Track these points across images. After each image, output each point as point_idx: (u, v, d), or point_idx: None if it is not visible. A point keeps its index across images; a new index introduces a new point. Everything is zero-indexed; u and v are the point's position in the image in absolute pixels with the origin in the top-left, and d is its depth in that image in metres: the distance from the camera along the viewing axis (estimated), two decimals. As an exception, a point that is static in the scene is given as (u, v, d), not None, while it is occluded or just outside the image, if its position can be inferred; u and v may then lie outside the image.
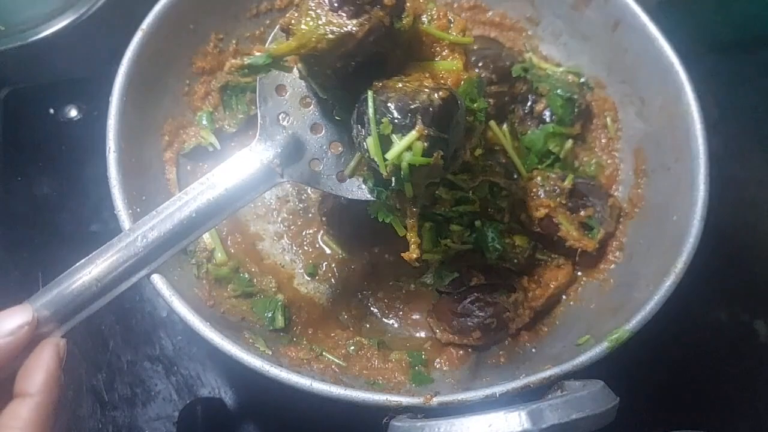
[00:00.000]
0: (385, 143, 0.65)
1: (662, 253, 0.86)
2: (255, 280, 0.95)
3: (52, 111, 1.19)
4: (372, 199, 0.76)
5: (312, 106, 0.78)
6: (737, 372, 1.06)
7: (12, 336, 0.62)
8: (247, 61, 0.67)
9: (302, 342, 0.90)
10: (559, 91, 1.02)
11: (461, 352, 0.92)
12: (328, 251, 0.99)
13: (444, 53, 0.76)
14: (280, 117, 0.77)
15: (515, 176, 0.97)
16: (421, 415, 0.70)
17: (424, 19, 0.76)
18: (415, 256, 0.72)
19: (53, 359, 0.63)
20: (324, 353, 0.89)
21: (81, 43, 1.14)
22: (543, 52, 1.13)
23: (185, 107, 1.00)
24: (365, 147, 0.67)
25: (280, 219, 1.01)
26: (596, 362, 0.75)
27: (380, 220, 0.76)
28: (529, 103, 1.04)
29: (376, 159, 0.66)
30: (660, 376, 1.01)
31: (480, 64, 1.02)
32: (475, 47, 1.05)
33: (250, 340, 0.84)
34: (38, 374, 0.61)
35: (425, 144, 0.64)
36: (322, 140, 0.78)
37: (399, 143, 0.64)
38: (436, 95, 0.65)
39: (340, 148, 0.78)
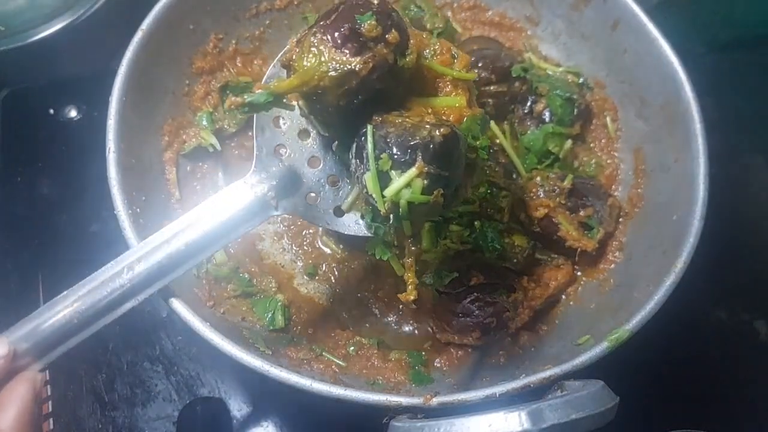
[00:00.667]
0: (383, 179, 0.64)
1: (662, 253, 0.86)
2: (255, 280, 0.95)
3: (52, 111, 1.19)
4: (369, 235, 0.75)
5: (310, 139, 0.77)
6: (737, 372, 1.06)
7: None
8: (247, 99, 0.66)
9: (302, 342, 0.90)
10: (558, 91, 1.02)
11: (461, 352, 0.92)
12: (328, 251, 0.99)
13: (447, 89, 0.74)
14: (277, 149, 0.76)
15: (515, 176, 0.97)
16: (421, 415, 0.70)
17: (427, 53, 0.74)
18: (412, 297, 0.70)
19: (28, 393, 0.61)
20: (324, 353, 0.89)
21: (81, 43, 1.14)
22: (543, 52, 1.13)
23: (185, 107, 1.00)
24: (363, 182, 0.66)
25: (280, 219, 1.01)
26: (596, 362, 0.75)
27: (377, 257, 0.75)
28: (528, 103, 1.04)
29: (374, 195, 0.64)
30: (660, 376, 1.01)
31: (479, 64, 1.02)
32: (474, 47, 1.06)
33: (250, 340, 0.84)
34: (11, 409, 0.60)
35: (425, 181, 0.63)
36: (320, 174, 0.77)
37: (398, 180, 0.63)
38: (437, 132, 0.64)
39: (338, 183, 0.77)
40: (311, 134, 0.76)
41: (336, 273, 0.98)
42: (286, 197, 0.75)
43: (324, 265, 0.98)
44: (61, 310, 0.66)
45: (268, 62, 1.08)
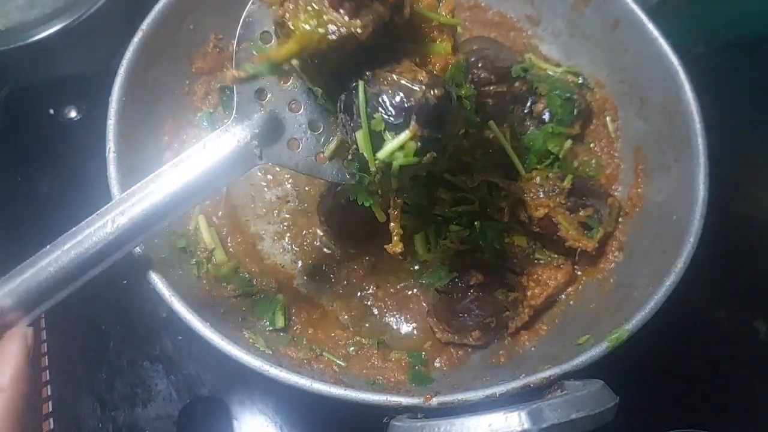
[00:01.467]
0: (376, 139, 0.63)
1: (662, 253, 0.86)
2: (255, 280, 0.95)
3: (52, 111, 1.19)
4: (351, 182, 0.74)
5: (291, 82, 0.74)
6: (737, 372, 1.06)
7: None
8: (250, 71, 0.64)
9: (302, 342, 0.90)
10: (558, 91, 1.02)
11: (461, 352, 0.92)
12: (328, 251, 0.99)
13: (433, 34, 0.73)
14: (257, 93, 0.73)
15: (514, 176, 0.97)
16: (421, 415, 0.71)
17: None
18: (398, 249, 0.70)
19: (21, 350, 0.61)
20: (324, 353, 0.89)
21: (81, 43, 1.14)
22: (543, 52, 1.13)
23: (185, 107, 1.00)
24: (353, 138, 0.65)
25: (280, 219, 1.01)
26: (596, 362, 0.75)
27: (360, 203, 0.74)
28: (528, 104, 1.04)
29: (365, 154, 0.63)
30: (660, 375, 1.01)
31: (479, 65, 1.02)
32: (474, 47, 1.06)
33: (250, 340, 0.84)
34: (5, 367, 0.59)
35: (418, 144, 0.62)
36: (301, 119, 0.74)
37: (392, 142, 0.62)
38: (431, 93, 0.63)
39: (319, 128, 0.74)
40: (292, 77, 0.74)
41: (336, 273, 0.98)
42: (269, 145, 0.73)
43: (324, 265, 0.98)
44: (47, 264, 0.66)
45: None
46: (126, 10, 1.04)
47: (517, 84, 1.05)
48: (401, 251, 0.71)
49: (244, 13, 0.74)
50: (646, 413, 0.97)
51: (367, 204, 0.73)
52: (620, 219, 0.98)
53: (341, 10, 0.62)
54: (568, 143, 1.02)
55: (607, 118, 1.06)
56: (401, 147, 0.62)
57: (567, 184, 0.93)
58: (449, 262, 0.92)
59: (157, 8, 0.93)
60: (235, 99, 0.72)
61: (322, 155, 0.74)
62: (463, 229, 0.91)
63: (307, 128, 0.74)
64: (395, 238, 0.70)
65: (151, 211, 0.69)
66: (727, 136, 1.02)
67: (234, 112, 0.72)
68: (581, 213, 0.93)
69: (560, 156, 1.01)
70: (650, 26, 0.98)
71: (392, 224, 0.70)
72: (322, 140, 0.74)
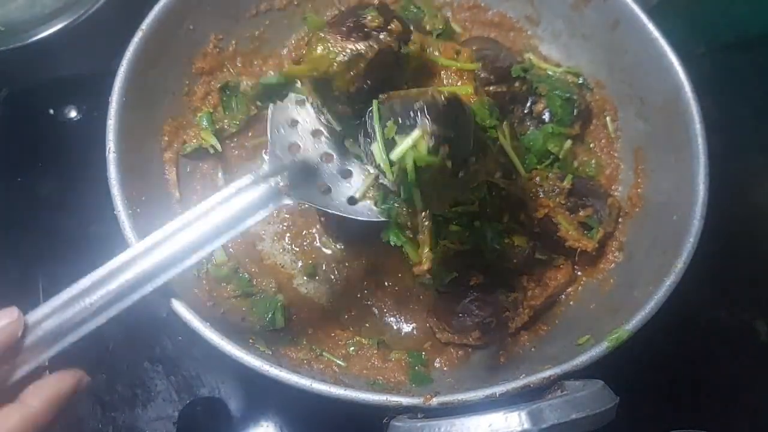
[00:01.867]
0: (390, 147, 0.64)
1: (662, 253, 0.86)
2: (255, 281, 0.95)
3: (52, 111, 1.19)
4: (382, 219, 0.75)
5: (323, 138, 0.78)
6: (737, 372, 1.06)
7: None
8: (262, 81, 0.69)
9: (302, 342, 0.90)
10: (558, 91, 1.02)
11: (461, 352, 0.92)
12: (328, 251, 0.99)
13: (452, 79, 0.76)
14: (291, 146, 0.77)
15: (514, 176, 0.97)
16: (421, 415, 0.71)
17: (431, 50, 0.77)
18: (426, 267, 0.70)
19: (69, 386, 0.63)
20: (324, 353, 0.89)
21: (81, 43, 1.14)
22: (543, 52, 1.13)
23: (185, 107, 1.00)
24: (371, 154, 0.66)
25: (280, 219, 1.01)
26: (596, 362, 0.75)
27: (392, 244, 0.75)
28: (528, 104, 1.04)
29: (381, 164, 0.64)
30: (660, 376, 1.01)
31: (480, 65, 1.02)
32: (474, 48, 1.06)
33: (250, 340, 0.84)
34: (47, 391, 0.61)
35: (430, 142, 0.62)
36: (333, 168, 0.77)
37: (404, 142, 0.62)
38: (440, 96, 0.64)
39: (351, 176, 0.77)
40: (324, 133, 0.78)
41: (336, 273, 0.98)
42: (300, 187, 0.75)
43: (324, 266, 0.98)
44: (79, 298, 0.66)
45: (268, 62, 1.08)
46: (126, 10, 1.03)
47: (516, 84, 1.05)
48: (428, 269, 0.70)
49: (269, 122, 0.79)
50: (646, 413, 0.97)
51: (399, 243, 0.74)
52: (620, 219, 0.98)
53: (351, 39, 0.69)
54: (568, 143, 1.02)
55: (607, 118, 1.06)
56: (413, 146, 0.62)
57: (567, 184, 0.93)
58: (449, 263, 0.92)
59: (157, 8, 0.93)
60: (269, 148, 0.76)
61: (353, 198, 0.77)
62: (462, 230, 0.91)
63: (338, 175, 0.77)
64: (425, 259, 0.70)
65: (181, 250, 0.70)
66: (727, 136, 1.02)
67: (267, 158, 0.76)
68: (581, 213, 0.93)
69: (560, 156, 1.01)
70: (650, 26, 0.98)
71: (423, 249, 0.70)
72: (354, 185, 0.77)
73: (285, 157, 0.76)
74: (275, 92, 0.70)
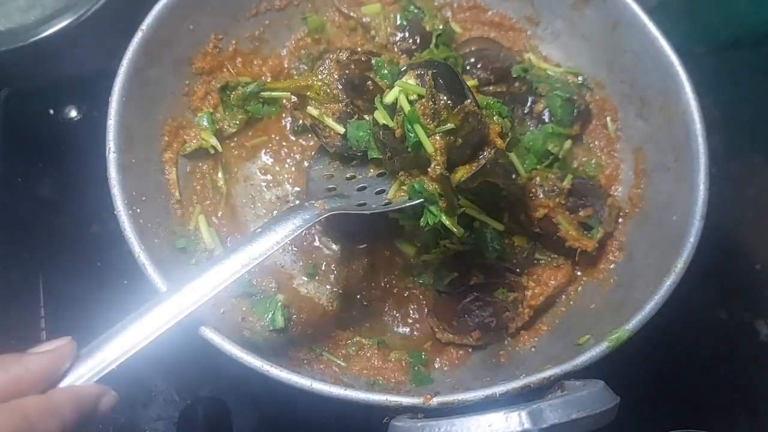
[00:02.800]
0: (390, 111, 0.74)
1: (662, 253, 0.86)
2: (255, 280, 0.95)
3: (52, 111, 1.19)
4: (416, 201, 0.77)
5: (358, 178, 0.85)
6: (737, 372, 1.06)
7: (49, 354, 0.60)
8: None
9: (302, 342, 0.90)
10: (558, 91, 1.02)
11: (461, 352, 0.92)
12: (327, 251, 0.99)
13: None
14: (327, 189, 0.84)
15: (514, 176, 0.97)
16: (421, 415, 0.71)
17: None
18: (438, 171, 0.73)
19: (106, 403, 0.63)
20: (324, 353, 0.89)
21: (81, 43, 1.14)
22: (543, 52, 1.13)
23: (185, 107, 1.00)
24: (375, 120, 0.76)
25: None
26: (596, 362, 0.75)
27: (431, 223, 0.77)
28: (528, 103, 1.04)
29: (384, 120, 0.73)
30: (660, 376, 1.01)
31: (479, 65, 1.02)
32: (473, 48, 1.06)
33: (250, 340, 0.84)
34: (83, 402, 0.60)
35: (417, 79, 0.72)
36: (368, 192, 0.83)
37: (394, 87, 0.73)
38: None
39: (384, 192, 0.82)
40: (357, 176, 0.86)
41: (336, 273, 0.98)
42: (330, 206, 0.80)
43: (324, 265, 0.98)
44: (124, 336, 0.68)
45: (267, 62, 1.08)
46: (126, 10, 1.03)
47: (516, 84, 1.05)
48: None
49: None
50: (646, 413, 0.97)
51: (438, 218, 0.76)
52: (620, 219, 0.98)
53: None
54: (568, 143, 1.02)
55: (607, 118, 1.06)
56: (403, 87, 0.72)
57: (567, 184, 0.93)
58: (449, 263, 0.92)
59: (157, 8, 0.93)
60: (307, 187, 0.86)
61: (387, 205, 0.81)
62: (462, 230, 0.91)
63: (373, 195, 0.82)
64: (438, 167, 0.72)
65: (223, 274, 0.72)
66: (727, 136, 1.03)
67: (306, 193, 0.86)
68: (581, 213, 0.93)
69: (560, 156, 1.01)
70: (650, 26, 0.98)
71: (437, 157, 0.72)
72: (384, 200, 0.81)
73: (321, 194, 0.83)
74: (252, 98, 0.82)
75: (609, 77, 1.07)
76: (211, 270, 0.71)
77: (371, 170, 0.86)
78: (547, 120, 1.02)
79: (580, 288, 0.97)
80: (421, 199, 0.76)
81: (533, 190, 0.94)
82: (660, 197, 0.95)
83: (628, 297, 0.86)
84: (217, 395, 0.99)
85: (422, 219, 0.78)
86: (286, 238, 0.75)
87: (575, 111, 1.02)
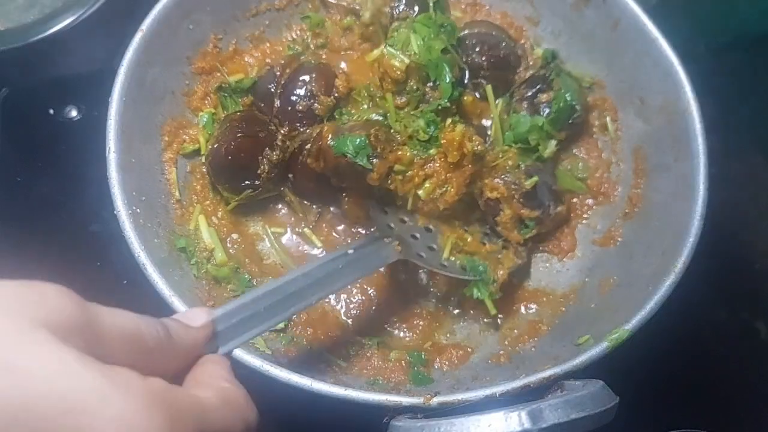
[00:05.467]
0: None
1: (662, 253, 0.86)
2: (255, 281, 0.95)
3: (52, 111, 1.19)
4: (472, 278, 0.90)
5: (408, 223, 0.92)
6: (737, 372, 1.06)
7: (203, 329, 0.56)
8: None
9: (302, 342, 0.90)
10: (568, 94, 1.00)
11: (461, 352, 0.92)
12: (327, 251, 0.99)
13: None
14: (387, 226, 0.90)
15: (487, 142, 0.97)
16: (420, 415, 0.71)
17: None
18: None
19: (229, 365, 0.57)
20: (324, 353, 0.89)
21: (81, 43, 1.14)
22: (540, 48, 1.13)
23: (185, 107, 1.00)
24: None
25: (279, 219, 1.01)
26: (596, 362, 0.75)
27: (474, 297, 0.90)
28: (535, 90, 1.02)
29: (405, 59, 0.90)
30: (660, 375, 1.01)
31: (476, 49, 1.01)
32: (475, 30, 1.04)
33: (250, 341, 0.84)
34: (225, 372, 0.55)
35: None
36: (420, 244, 0.90)
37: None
38: None
39: (434, 249, 0.91)
40: (407, 221, 0.93)
41: (336, 273, 0.98)
42: (404, 249, 0.86)
43: (324, 265, 0.98)
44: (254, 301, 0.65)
45: (261, 61, 1.08)
46: (126, 10, 1.03)
47: (541, 70, 1.04)
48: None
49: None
50: (646, 413, 0.97)
51: (482, 298, 0.90)
52: (563, 228, 1.02)
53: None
54: (552, 145, 1.00)
55: (607, 118, 1.06)
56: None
57: (529, 185, 0.93)
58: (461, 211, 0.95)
59: (157, 8, 0.93)
60: (374, 222, 0.92)
61: (442, 264, 0.90)
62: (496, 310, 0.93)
63: (426, 248, 0.90)
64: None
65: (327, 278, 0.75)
66: (727, 136, 1.02)
67: (375, 227, 0.92)
68: (525, 212, 0.94)
69: (544, 155, 0.99)
70: (650, 26, 0.97)
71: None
72: (440, 255, 0.91)
73: (386, 230, 0.89)
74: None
75: (609, 77, 1.07)
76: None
77: (419, 220, 0.93)
78: (542, 114, 1.00)
79: (580, 288, 0.97)
80: (477, 278, 0.89)
81: (500, 171, 0.94)
82: (660, 197, 0.95)
83: (628, 297, 0.86)
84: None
85: (467, 290, 0.90)
86: (367, 274, 0.87)
87: (570, 120, 1.01)
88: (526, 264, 0.98)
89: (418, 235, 0.91)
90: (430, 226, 0.92)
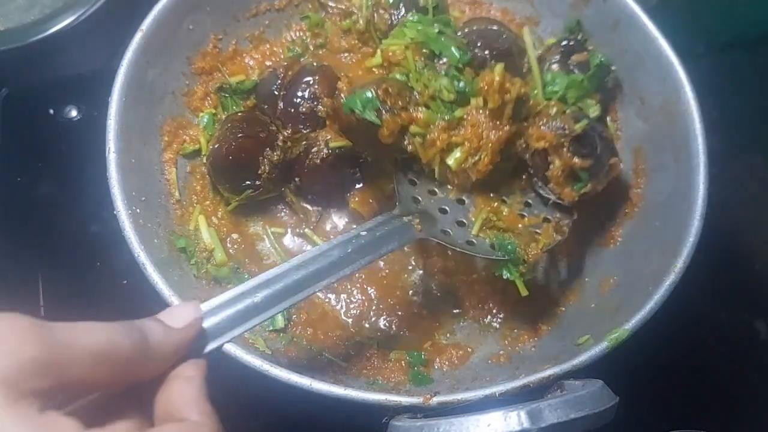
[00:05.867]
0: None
1: (662, 253, 0.86)
2: (255, 281, 0.95)
3: (52, 111, 1.19)
4: (500, 258, 0.83)
5: (438, 196, 0.88)
6: (737, 372, 1.06)
7: (186, 330, 0.54)
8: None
9: (302, 342, 0.90)
10: (601, 55, 0.98)
11: (461, 352, 0.92)
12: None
13: None
14: (413, 199, 0.86)
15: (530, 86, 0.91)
16: (420, 415, 0.71)
17: None
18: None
19: (203, 380, 0.55)
20: (324, 353, 0.89)
21: (81, 43, 1.14)
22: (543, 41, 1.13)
23: (185, 107, 1.00)
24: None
25: (279, 219, 1.01)
26: (596, 362, 0.75)
27: (505, 278, 0.84)
28: (567, 49, 1.00)
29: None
30: (660, 375, 1.01)
31: (478, 44, 0.98)
32: (474, 27, 1.02)
33: (250, 341, 0.84)
34: (197, 397, 0.52)
35: None
36: (449, 218, 0.86)
37: None
38: None
39: (464, 224, 0.86)
40: (437, 192, 0.88)
41: (336, 273, 0.98)
42: (426, 227, 0.82)
43: (324, 265, 0.98)
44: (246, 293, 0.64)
45: (261, 63, 1.08)
46: (126, 10, 1.04)
47: (569, 35, 1.03)
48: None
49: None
50: (646, 413, 0.97)
51: (512, 278, 0.84)
52: (612, 178, 0.91)
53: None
54: (594, 104, 0.95)
55: (607, 118, 1.06)
56: None
57: (579, 128, 0.84)
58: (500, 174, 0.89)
59: (157, 8, 0.93)
60: (397, 199, 0.84)
61: (470, 241, 0.85)
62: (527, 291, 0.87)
63: (455, 224, 0.86)
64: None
65: (339, 258, 0.73)
66: (727, 136, 1.02)
67: (397, 205, 0.83)
68: (577, 161, 0.85)
69: (590, 115, 0.93)
70: (650, 26, 0.97)
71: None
72: (468, 231, 0.86)
73: (410, 205, 0.84)
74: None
75: (609, 77, 1.06)
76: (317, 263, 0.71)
77: (451, 192, 0.88)
78: (576, 72, 0.97)
79: (580, 288, 0.97)
80: (506, 258, 0.83)
81: (544, 119, 0.86)
82: (660, 197, 0.95)
83: (628, 297, 0.86)
84: (216, 395, 0.99)
85: (496, 269, 0.84)
86: (381, 256, 0.78)
87: (606, 79, 0.99)
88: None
89: (447, 208, 0.86)
90: (463, 198, 0.87)
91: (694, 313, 1.05)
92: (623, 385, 0.69)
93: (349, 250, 0.73)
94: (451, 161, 0.84)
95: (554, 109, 0.87)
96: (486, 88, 0.81)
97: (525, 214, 0.89)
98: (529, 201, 0.90)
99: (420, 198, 0.86)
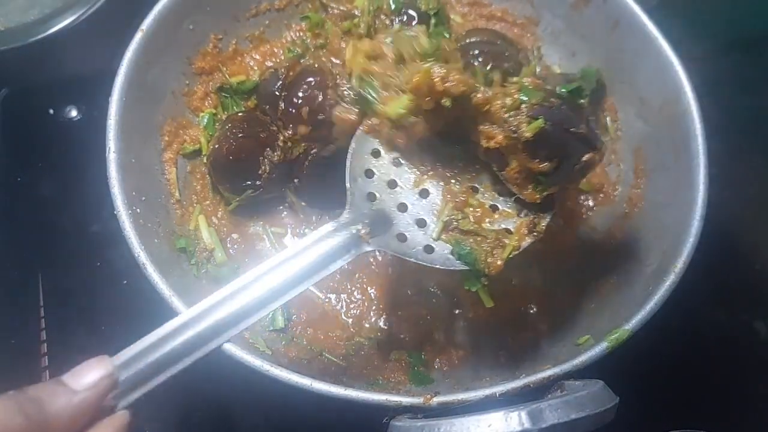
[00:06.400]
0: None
1: (662, 253, 0.86)
2: (255, 281, 0.95)
3: (52, 111, 1.19)
4: (459, 268, 0.76)
5: (398, 188, 0.79)
6: (737, 372, 1.06)
7: (91, 390, 0.53)
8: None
9: (302, 342, 0.90)
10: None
11: (461, 352, 0.92)
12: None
13: None
14: (369, 196, 0.78)
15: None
16: (420, 415, 0.71)
17: None
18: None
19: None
20: (324, 353, 0.89)
21: (81, 43, 1.14)
22: (543, 52, 1.13)
23: (185, 107, 1.00)
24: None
25: (279, 220, 1.01)
26: (596, 362, 0.75)
27: (467, 288, 0.77)
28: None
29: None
30: (660, 375, 1.01)
31: (480, 59, 0.99)
32: (477, 39, 1.02)
33: (250, 340, 0.84)
34: None
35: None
36: (408, 218, 0.78)
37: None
38: None
39: (425, 225, 0.78)
40: (398, 183, 0.79)
41: (335, 273, 0.97)
42: (378, 235, 0.75)
43: (324, 265, 0.98)
44: (162, 342, 0.64)
45: (261, 63, 1.08)
46: (126, 10, 1.03)
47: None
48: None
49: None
50: (646, 413, 0.97)
51: (474, 289, 0.77)
52: (586, 174, 0.79)
53: None
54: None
55: (607, 118, 1.06)
56: None
57: (529, 133, 0.72)
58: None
59: (157, 8, 0.93)
60: (348, 198, 0.76)
61: (430, 246, 0.77)
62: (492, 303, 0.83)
63: (414, 224, 0.77)
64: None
65: (269, 292, 0.69)
66: (727, 137, 1.02)
67: (346, 206, 0.76)
68: (537, 163, 0.73)
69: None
70: (650, 26, 0.98)
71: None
72: (428, 233, 0.77)
73: (363, 206, 0.77)
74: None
75: (609, 77, 1.07)
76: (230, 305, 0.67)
77: (413, 181, 0.79)
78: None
79: (580, 288, 0.97)
80: (467, 268, 0.75)
81: (495, 110, 0.74)
82: (660, 197, 0.95)
83: (628, 297, 0.86)
84: (217, 395, 0.99)
85: (466, 283, 0.78)
86: (324, 275, 0.72)
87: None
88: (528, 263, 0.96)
89: (408, 204, 0.78)
90: (427, 188, 0.79)
91: (694, 313, 1.06)
92: (623, 385, 0.69)
93: (283, 279, 0.69)
94: (387, 109, 0.76)
95: (508, 101, 0.73)
96: (415, 87, 0.74)
97: (498, 205, 0.79)
98: (503, 190, 0.80)
99: (377, 193, 0.78)
